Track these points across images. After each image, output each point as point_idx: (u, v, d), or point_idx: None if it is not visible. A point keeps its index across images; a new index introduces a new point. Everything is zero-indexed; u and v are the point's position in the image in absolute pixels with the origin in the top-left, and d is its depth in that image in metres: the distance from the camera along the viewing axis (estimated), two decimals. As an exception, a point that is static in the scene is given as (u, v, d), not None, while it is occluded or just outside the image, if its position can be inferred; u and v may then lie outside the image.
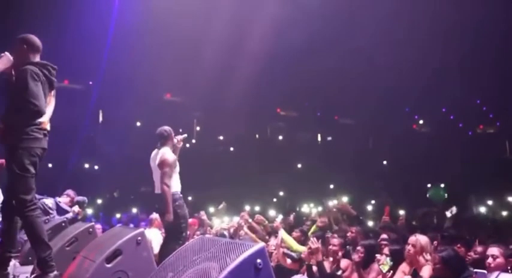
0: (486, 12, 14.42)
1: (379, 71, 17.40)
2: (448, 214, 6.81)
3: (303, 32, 15.16)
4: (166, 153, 4.80)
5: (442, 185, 9.90)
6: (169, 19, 14.20)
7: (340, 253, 4.82)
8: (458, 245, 4.46)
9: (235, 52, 15.72)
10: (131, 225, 9.83)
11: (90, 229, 3.80)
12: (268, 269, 1.92)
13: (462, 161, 18.28)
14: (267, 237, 6.16)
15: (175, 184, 4.85)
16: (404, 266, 4.03)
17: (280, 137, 21.13)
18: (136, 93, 17.43)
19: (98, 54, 15.69)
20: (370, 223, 7.80)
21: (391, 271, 4.08)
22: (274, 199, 16.31)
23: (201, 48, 15.82)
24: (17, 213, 3.30)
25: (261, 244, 1.89)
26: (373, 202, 16.39)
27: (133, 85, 17.10)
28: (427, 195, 9.10)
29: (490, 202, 10.41)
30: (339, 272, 4.48)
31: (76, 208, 6.43)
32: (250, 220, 6.53)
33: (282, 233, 5.41)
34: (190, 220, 7.79)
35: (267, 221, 6.73)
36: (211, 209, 10.81)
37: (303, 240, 5.81)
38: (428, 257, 3.91)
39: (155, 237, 6.97)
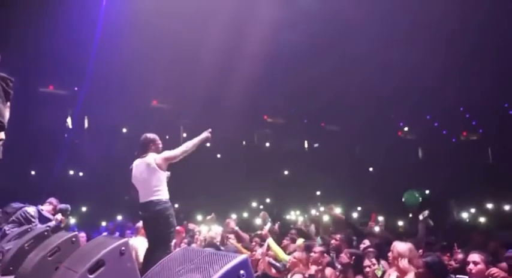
0: (471, 22, 14.70)
1: (365, 79, 17.58)
2: (420, 217, 6.88)
3: (291, 40, 15.30)
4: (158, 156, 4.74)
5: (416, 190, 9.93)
6: (156, 26, 14.20)
7: (321, 260, 4.84)
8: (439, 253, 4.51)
9: (223, 60, 15.74)
10: (117, 233, 9.75)
11: (73, 239, 3.75)
12: (252, 280, 1.92)
13: (446, 167, 18.53)
14: (253, 244, 6.16)
15: (166, 192, 4.79)
16: (392, 272, 4.06)
17: (267, 144, 21.19)
18: (123, 100, 17.32)
19: (83, 59, 15.55)
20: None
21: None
22: (261, 206, 16.27)
23: (188, 56, 15.83)
24: None
25: (244, 255, 1.90)
26: (359, 208, 16.54)
27: (119, 91, 17.00)
28: (402, 200, 9.17)
29: (472, 210, 10.53)
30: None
31: (59, 216, 6.35)
32: (236, 228, 6.52)
33: (269, 241, 5.42)
34: (178, 228, 7.78)
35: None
36: (199, 217, 10.78)
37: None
38: (405, 262, 3.95)
39: (141, 246, 6.89)
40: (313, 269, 4.79)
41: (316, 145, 21.96)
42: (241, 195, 16.54)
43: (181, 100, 18.38)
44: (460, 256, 4.10)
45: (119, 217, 10.94)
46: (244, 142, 21.07)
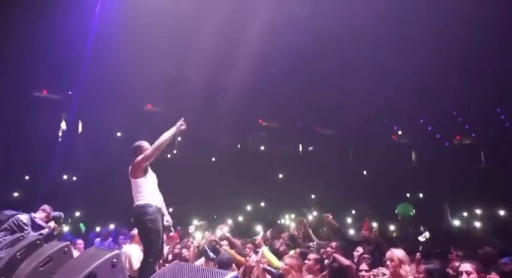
0: (466, 26, 14.82)
1: (360, 83, 17.66)
2: (421, 238, 6.86)
3: (287, 44, 15.35)
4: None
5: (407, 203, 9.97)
6: (150, 30, 14.20)
7: (316, 268, 4.86)
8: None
9: (218, 63, 15.77)
10: (110, 239, 9.70)
11: (65, 249, 3.74)
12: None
13: (439, 171, 18.63)
14: (246, 250, 6.17)
15: (149, 196, 4.82)
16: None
17: (262, 147, 21.19)
18: (117, 103, 17.29)
19: (77, 64, 15.54)
20: (352, 231, 7.86)
21: None
22: (256, 210, 16.26)
23: (182, 59, 15.84)
24: None
25: (233, 273, 1.92)
26: (353, 212, 16.59)
27: (113, 95, 16.97)
28: (395, 211, 9.18)
29: (465, 214, 10.60)
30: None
31: (52, 224, 6.31)
32: (227, 235, 6.53)
33: (264, 250, 5.44)
34: (171, 234, 7.77)
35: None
36: (195, 221, 10.75)
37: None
38: (407, 268, 3.99)
39: (135, 253, 6.90)
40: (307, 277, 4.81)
41: (310, 148, 21.99)
42: (235, 198, 16.54)
43: (176, 104, 18.34)
44: (457, 264, 4.12)
45: (111, 225, 10.88)
46: (239, 146, 21.07)
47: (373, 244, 5.79)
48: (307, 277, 4.86)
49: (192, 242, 6.42)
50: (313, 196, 18.30)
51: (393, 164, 19.49)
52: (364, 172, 20.77)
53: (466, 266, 3.74)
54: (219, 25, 14.51)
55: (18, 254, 4.63)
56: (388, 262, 4.10)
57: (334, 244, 5.60)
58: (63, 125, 18.58)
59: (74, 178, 16.86)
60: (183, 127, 4.94)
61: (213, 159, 19.67)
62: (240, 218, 12.07)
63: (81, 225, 11.32)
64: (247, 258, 5.75)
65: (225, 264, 4.43)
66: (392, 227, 9.13)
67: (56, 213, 6.62)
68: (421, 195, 19.03)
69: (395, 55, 16.31)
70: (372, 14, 14.57)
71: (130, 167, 4.85)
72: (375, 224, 7.19)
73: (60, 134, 18.83)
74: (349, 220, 10.52)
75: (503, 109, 21.08)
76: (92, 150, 16.86)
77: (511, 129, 20.92)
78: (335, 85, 17.64)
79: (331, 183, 18.21)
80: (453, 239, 6.93)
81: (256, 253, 5.67)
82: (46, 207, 6.78)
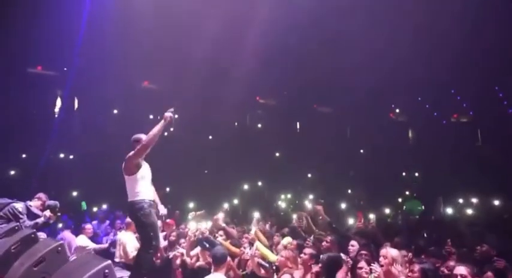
0: (466, 5, 14.58)
1: (358, 61, 17.48)
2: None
3: (285, 21, 15.11)
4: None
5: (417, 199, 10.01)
6: (147, 5, 13.93)
7: (310, 263, 4.92)
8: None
9: (215, 40, 15.54)
10: (107, 222, 9.76)
11: (59, 248, 3.77)
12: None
13: (435, 149, 18.67)
14: (243, 240, 6.23)
15: (144, 192, 4.85)
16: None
17: (259, 125, 21.14)
18: (113, 80, 17.12)
19: (72, 39, 15.30)
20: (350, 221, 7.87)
21: None
22: (253, 189, 16.30)
23: (180, 36, 15.61)
24: None
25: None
26: (349, 191, 16.72)
27: (110, 72, 16.77)
28: (404, 208, 9.21)
29: (460, 200, 10.66)
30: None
31: (47, 213, 6.31)
32: (223, 225, 6.58)
33: (257, 244, 5.49)
34: (168, 220, 7.85)
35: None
36: (191, 205, 10.83)
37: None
38: (399, 268, 4.04)
39: (130, 241, 7.00)
40: (299, 272, 4.88)
41: (307, 126, 21.95)
42: (232, 177, 16.56)
43: (173, 81, 18.18)
44: (452, 263, 4.15)
45: (104, 205, 10.88)
46: (236, 124, 21.02)
47: (369, 237, 5.85)
48: (300, 271, 4.93)
49: (188, 229, 6.48)
50: (309, 175, 18.36)
51: (390, 142, 19.49)
52: (361, 151, 20.78)
53: (461, 270, 3.70)
54: (218, 3, 14.25)
55: (13, 248, 4.67)
56: (381, 259, 4.15)
57: (329, 238, 5.65)
58: (59, 102, 18.48)
59: (71, 157, 16.83)
60: (169, 117, 4.88)
61: (210, 137, 19.64)
62: (236, 201, 12.06)
63: (83, 203, 11.35)
64: (242, 249, 5.80)
65: (219, 259, 4.46)
66: (387, 210, 9.19)
67: (52, 202, 6.63)
68: (416, 174, 19.16)
69: (393, 32, 16.09)
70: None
71: (123, 163, 4.84)
72: (372, 216, 7.20)
73: (56, 110, 18.77)
74: (343, 206, 10.52)
75: (501, 88, 20.96)
76: (88, 127, 16.81)
77: (509, 107, 20.90)
78: (333, 62, 17.43)
79: (328, 162, 18.27)
80: (446, 229, 7.00)
81: (251, 245, 5.75)
82: (41, 195, 6.77)
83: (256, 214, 7.39)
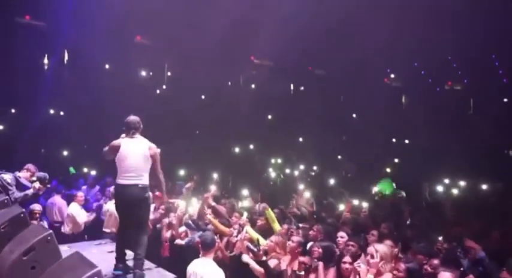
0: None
1: (355, 24, 17.13)
2: None
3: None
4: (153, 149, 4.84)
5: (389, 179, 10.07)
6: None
7: (297, 251, 5.03)
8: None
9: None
10: (97, 187, 9.80)
11: (49, 237, 3.79)
12: None
13: (427, 116, 18.71)
14: (233, 219, 6.32)
15: (148, 179, 4.89)
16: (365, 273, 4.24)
17: (253, 86, 20.91)
18: (105, 34, 16.59)
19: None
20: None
21: None
22: (244, 152, 16.30)
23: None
24: None
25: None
26: (339, 157, 16.85)
27: (101, 24, 16.22)
28: (377, 188, 9.28)
29: (446, 181, 10.77)
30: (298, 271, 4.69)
31: (37, 185, 6.33)
32: (213, 204, 6.65)
33: (248, 229, 5.58)
34: (157, 193, 7.90)
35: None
36: (182, 173, 10.83)
37: (268, 227, 6.08)
38: (387, 266, 4.14)
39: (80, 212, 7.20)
40: (287, 259, 5.00)
41: (302, 88, 21.78)
42: (224, 138, 16.56)
43: (166, 37, 17.72)
44: (435, 261, 4.24)
45: (93, 172, 10.82)
46: (229, 83, 20.76)
47: (360, 226, 5.95)
48: (288, 257, 5.05)
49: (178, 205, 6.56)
50: (300, 139, 18.39)
51: (383, 108, 19.44)
52: (354, 115, 20.78)
53: (447, 276, 3.69)
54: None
55: (2, 227, 4.70)
56: (368, 257, 4.23)
57: (316, 227, 5.74)
58: (48, 55, 18.00)
59: (61, 113, 16.59)
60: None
61: (203, 97, 19.44)
62: (227, 169, 11.98)
63: (71, 169, 11.32)
64: (232, 230, 5.89)
65: (208, 245, 4.52)
66: (376, 189, 9.30)
67: (41, 174, 6.62)
68: (406, 141, 19.32)
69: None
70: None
71: (154, 156, 4.74)
72: (365, 205, 7.28)
73: (45, 62, 18.32)
74: (332, 181, 10.58)
75: (497, 56, 20.80)
76: (79, 82, 16.47)
77: (504, 76, 20.84)
78: (329, 25, 17.07)
79: (320, 125, 18.28)
80: (433, 215, 7.12)
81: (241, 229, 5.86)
82: (31, 166, 6.75)
83: (245, 192, 7.47)
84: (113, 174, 9.45)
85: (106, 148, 4.87)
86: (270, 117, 19.70)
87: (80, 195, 8.05)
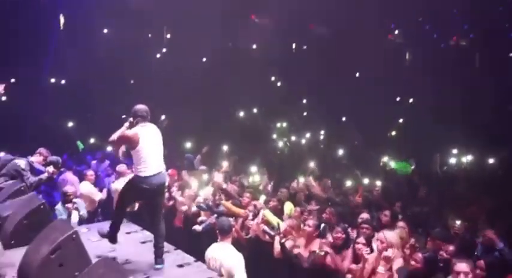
0: None
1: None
2: None
3: None
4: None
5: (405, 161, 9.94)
6: None
7: (314, 235, 5.13)
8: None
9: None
10: (107, 162, 9.84)
11: (74, 235, 3.87)
12: None
13: (431, 74, 18.45)
14: (245, 199, 6.40)
15: None
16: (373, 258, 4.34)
17: (254, 46, 20.47)
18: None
19: None
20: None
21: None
22: (248, 117, 16.14)
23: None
24: None
25: None
26: (343, 118, 16.78)
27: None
28: (393, 167, 9.19)
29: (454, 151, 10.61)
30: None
31: (50, 169, 6.38)
32: (224, 186, 6.73)
33: (265, 213, 5.64)
34: (169, 171, 7.96)
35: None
36: (188, 144, 10.78)
37: (279, 208, 6.15)
38: (395, 252, 4.24)
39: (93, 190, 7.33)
40: (303, 241, 5.11)
41: (304, 47, 21.33)
42: (227, 102, 16.40)
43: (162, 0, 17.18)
44: (451, 248, 4.30)
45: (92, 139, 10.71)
46: (230, 44, 20.33)
47: (373, 205, 6.01)
48: (303, 239, 5.15)
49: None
50: (304, 101, 18.23)
51: (386, 65, 19.12)
52: (357, 74, 20.47)
53: (463, 267, 3.64)
54: None
55: (24, 220, 4.81)
56: (378, 243, 4.32)
57: (328, 210, 5.81)
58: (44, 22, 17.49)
59: (63, 82, 16.36)
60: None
61: (204, 60, 19.09)
62: (233, 138, 11.82)
63: (79, 143, 11.25)
64: (246, 211, 5.97)
65: (225, 230, 4.59)
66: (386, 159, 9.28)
67: (54, 158, 6.66)
68: (410, 100, 19.18)
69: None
70: None
71: (159, 133, 4.72)
72: (378, 183, 7.28)
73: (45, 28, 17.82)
74: (340, 152, 10.55)
75: (505, 8, 20.20)
76: (77, 48, 16.12)
77: (511, 31, 20.36)
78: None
79: (323, 86, 18.08)
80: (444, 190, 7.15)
81: (255, 202, 5.94)
82: (43, 150, 6.78)
83: (253, 169, 7.50)
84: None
85: (115, 137, 4.71)
86: (273, 78, 19.41)
87: (90, 173, 8.11)
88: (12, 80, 15.87)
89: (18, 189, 5.85)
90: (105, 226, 5.04)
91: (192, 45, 18.20)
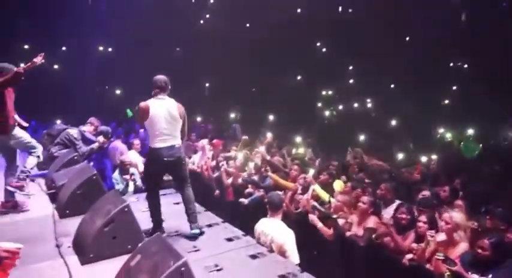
0: None
1: None
2: None
3: None
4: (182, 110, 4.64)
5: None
6: None
7: (369, 212, 4.94)
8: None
9: None
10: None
11: (126, 209, 3.90)
12: None
13: (490, 36, 17.18)
14: (292, 172, 6.28)
15: None
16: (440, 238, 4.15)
17: (299, 10, 19.74)
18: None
19: None
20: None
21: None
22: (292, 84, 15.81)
23: None
24: None
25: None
26: (392, 86, 16.05)
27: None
28: (461, 145, 8.56)
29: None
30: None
31: (101, 139, 6.55)
32: (268, 158, 6.62)
33: (316, 188, 5.46)
34: (214, 141, 7.93)
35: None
36: (232, 115, 10.65)
37: (330, 183, 5.95)
38: (462, 234, 4.00)
39: (139, 160, 7.43)
40: (355, 218, 4.95)
41: (350, 10, 20.33)
42: (271, 70, 16.07)
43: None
44: None
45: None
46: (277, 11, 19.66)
47: (430, 180, 5.70)
48: (356, 216, 4.98)
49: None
50: (351, 68, 17.57)
51: (440, 28, 17.95)
52: (407, 38, 19.41)
53: None
54: None
55: (78, 191, 4.91)
56: (443, 223, 4.10)
57: (383, 185, 5.56)
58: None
59: (110, 49, 16.54)
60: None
61: (247, 25, 18.68)
62: (278, 110, 11.51)
63: (128, 111, 11.34)
64: (297, 185, 5.86)
65: (276, 206, 4.48)
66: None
67: (104, 127, 6.82)
68: (466, 66, 18.08)
69: None
70: None
71: (183, 116, 4.61)
72: (434, 157, 6.91)
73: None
74: (393, 123, 10.06)
75: None
76: (120, 15, 16.11)
77: None
78: None
79: (370, 52, 17.27)
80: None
81: (302, 173, 5.80)
82: (93, 119, 6.93)
83: (298, 139, 7.26)
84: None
85: (137, 108, 4.64)
86: (318, 44, 18.77)
87: (137, 142, 8.24)
88: (63, 48, 16.30)
89: (72, 158, 6.01)
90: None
91: (234, 11, 17.81)
